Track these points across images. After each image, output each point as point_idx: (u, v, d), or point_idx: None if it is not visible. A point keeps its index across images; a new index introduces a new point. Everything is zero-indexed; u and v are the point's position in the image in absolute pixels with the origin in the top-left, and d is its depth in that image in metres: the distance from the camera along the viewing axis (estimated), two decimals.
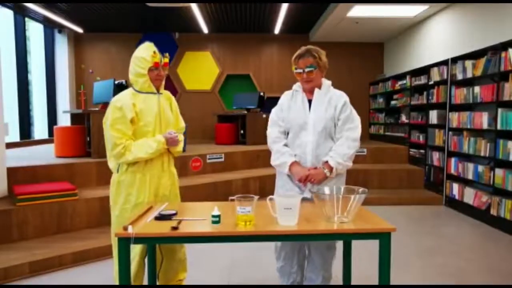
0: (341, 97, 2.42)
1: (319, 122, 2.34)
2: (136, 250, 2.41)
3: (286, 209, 1.83)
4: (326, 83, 2.46)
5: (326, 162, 2.31)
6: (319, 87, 2.42)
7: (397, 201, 5.59)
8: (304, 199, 2.31)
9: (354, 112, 2.42)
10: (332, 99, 2.40)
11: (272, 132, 2.46)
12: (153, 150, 2.33)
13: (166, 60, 2.44)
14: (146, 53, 2.35)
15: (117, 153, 2.31)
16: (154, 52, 2.35)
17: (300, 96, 2.44)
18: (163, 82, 2.49)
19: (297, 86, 2.51)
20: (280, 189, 2.47)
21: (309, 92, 2.43)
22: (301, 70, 2.37)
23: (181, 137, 2.52)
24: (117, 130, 2.30)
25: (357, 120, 2.41)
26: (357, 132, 2.38)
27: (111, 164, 2.45)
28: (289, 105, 2.45)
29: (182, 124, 2.65)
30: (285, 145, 2.41)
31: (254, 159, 6.07)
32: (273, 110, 2.53)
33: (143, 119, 2.36)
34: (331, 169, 2.29)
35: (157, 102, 2.43)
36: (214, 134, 7.24)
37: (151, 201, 2.39)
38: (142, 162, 2.38)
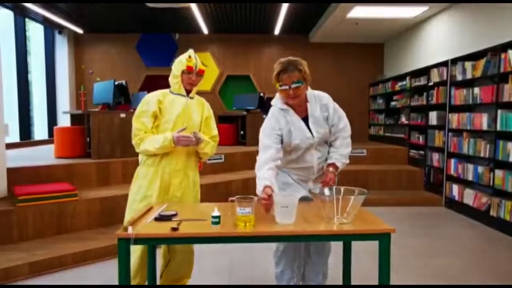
0: (328, 102, 2.34)
1: (321, 140, 2.34)
2: (135, 247, 2.41)
3: (283, 207, 1.84)
4: (310, 93, 2.33)
5: (333, 164, 2.32)
6: (305, 100, 2.30)
7: (397, 202, 5.59)
8: (304, 200, 2.33)
9: (339, 109, 2.38)
10: (322, 109, 2.32)
11: (260, 158, 2.21)
12: (159, 145, 2.37)
13: (202, 67, 2.50)
14: (183, 56, 2.46)
15: (135, 143, 2.46)
16: (189, 57, 2.43)
17: (294, 117, 2.28)
18: (196, 88, 2.54)
19: (279, 103, 2.30)
20: (280, 192, 2.44)
21: (298, 107, 2.30)
22: (287, 87, 2.16)
23: (205, 138, 2.50)
24: (139, 122, 2.44)
25: (344, 116, 2.39)
26: (349, 129, 2.41)
27: (139, 156, 2.58)
28: (289, 130, 2.26)
29: (215, 132, 2.64)
30: (270, 168, 2.13)
31: (254, 160, 6.04)
32: (264, 133, 2.28)
33: (165, 116, 2.46)
34: (336, 169, 2.33)
35: (183, 104, 2.49)
36: None
37: (160, 197, 2.44)
38: (158, 158, 2.45)
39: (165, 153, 2.44)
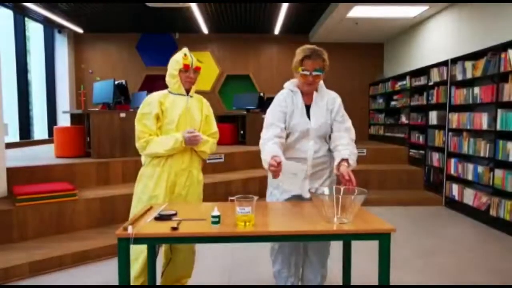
0: (336, 98, 2.42)
1: (320, 130, 2.33)
2: (142, 248, 2.41)
3: (292, 174, 1.95)
4: (322, 86, 2.42)
5: (346, 159, 2.21)
6: (316, 90, 2.38)
7: (397, 202, 5.59)
8: (304, 199, 2.32)
9: (345, 112, 2.44)
10: (328, 103, 2.38)
11: (265, 134, 2.29)
12: (169, 147, 2.39)
13: (199, 64, 2.51)
14: (178, 55, 2.47)
15: (139, 146, 2.46)
16: (185, 55, 2.45)
17: (300, 100, 2.35)
18: (194, 86, 2.55)
19: (292, 85, 2.40)
20: (275, 190, 2.44)
21: (306, 94, 2.37)
22: (308, 72, 2.25)
23: (205, 137, 2.54)
24: (142, 125, 2.44)
25: (350, 121, 2.44)
26: (354, 133, 2.43)
27: (142, 157, 2.57)
28: (292, 110, 2.33)
29: (214, 129, 2.66)
30: (275, 143, 2.20)
31: (255, 159, 6.06)
32: (270, 111, 2.37)
33: (167, 116, 2.47)
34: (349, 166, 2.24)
35: (184, 103, 2.50)
36: None
37: (167, 197, 2.46)
38: (163, 158, 2.46)
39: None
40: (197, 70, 2.51)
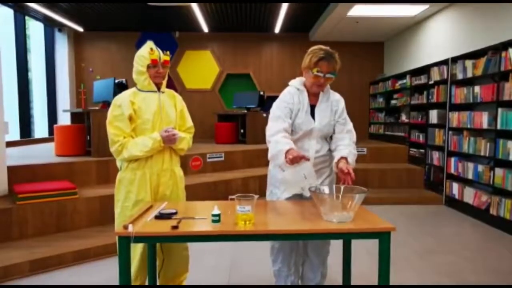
0: (340, 100, 2.44)
1: (323, 130, 2.35)
2: (137, 251, 2.41)
3: (302, 174, 1.97)
4: (327, 87, 2.42)
5: (345, 157, 2.24)
6: (322, 90, 2.38)
7: (397, 201, 5.59)
8: (304, 198, 2.33)
9: (347, 116, 2.48)
10: (332, 104, 2.40)
11: (273, 126, 2.28)
12: (148, 148, 2.32)
13: (166, 57, 2.41)
14: (144, 50, 2.36)
15: (115, 151, 2.36)
16: (151, 49, 2.34)
17: (306, 99, 2.35)
18: (165, 81, 2.48)
19: (298, 83, 2.40)
20: (275, 189, 2.45)
21: (312, 94, 2.38)
22: (321, 74, 2.24)
23: (182, 135, 2.48)
24: (115, 128, 2.34)
25: (352, 124, 2.47)
26: (355, 135, 2.44)
27: (117, 162, 2.48)
28: (298, 109, 2.33)
29: (190, 123, 2.60)
30: (285, 136, 2.22)
31: (255, 158, 6.07)
32: (276, 106, 2.36)
33: (141, 116, 2.37)
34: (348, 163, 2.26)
35: (157, 100, 2.42)
36: (214, 133, 7.25)
37: (152, 199, 2.40)
38: (143, 160, 2.38)
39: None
40: (165, 64, 2.41)
